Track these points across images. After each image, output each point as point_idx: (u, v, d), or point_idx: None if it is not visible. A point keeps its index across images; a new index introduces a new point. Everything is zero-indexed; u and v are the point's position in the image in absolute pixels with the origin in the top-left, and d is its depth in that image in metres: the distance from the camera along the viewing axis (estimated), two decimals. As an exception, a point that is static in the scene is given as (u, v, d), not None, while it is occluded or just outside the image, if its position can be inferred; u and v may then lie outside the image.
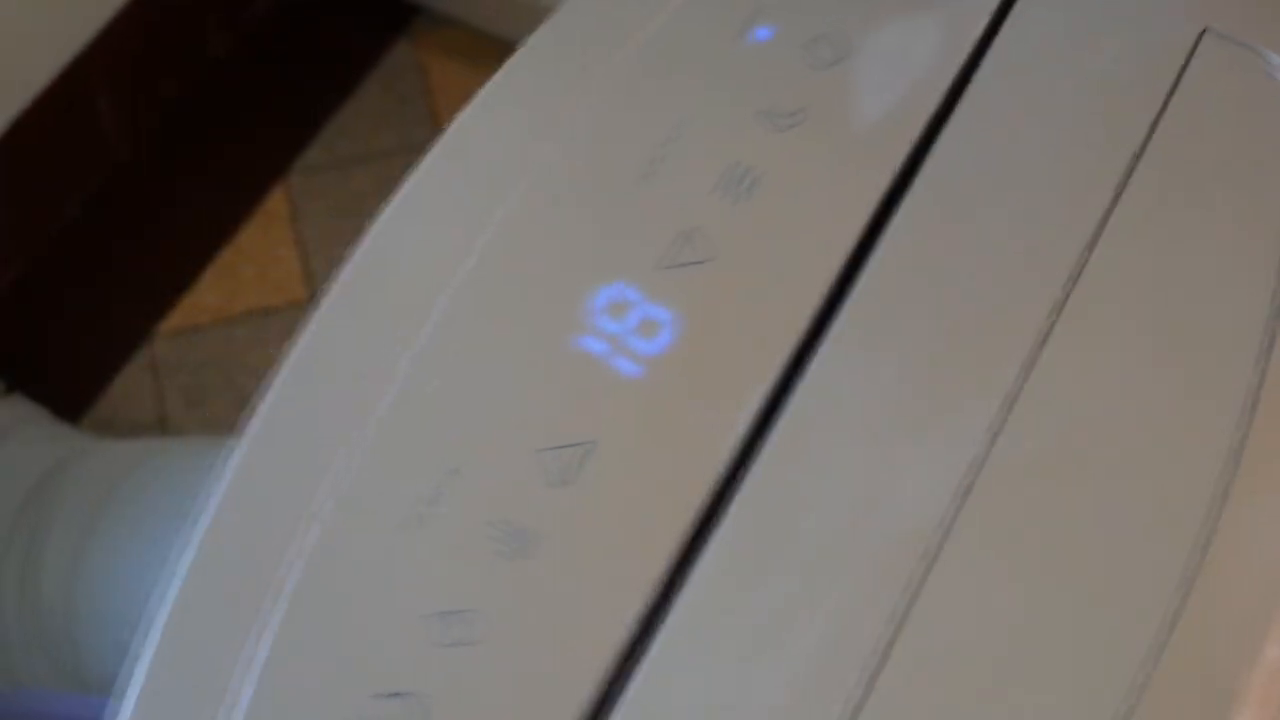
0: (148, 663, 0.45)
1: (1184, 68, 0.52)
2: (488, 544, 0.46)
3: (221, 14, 1.37)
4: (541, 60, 0.53)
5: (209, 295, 1.29)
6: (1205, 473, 0.46)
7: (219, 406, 1.24)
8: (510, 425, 0.48)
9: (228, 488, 0.47)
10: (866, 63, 0.53)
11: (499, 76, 0.52)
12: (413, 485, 0.47)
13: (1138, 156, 0.51)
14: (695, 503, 0.47)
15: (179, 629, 0.46)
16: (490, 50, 1.38)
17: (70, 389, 1.23)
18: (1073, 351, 0.48)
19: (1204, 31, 0.52)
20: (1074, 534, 0.46)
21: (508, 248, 0.50)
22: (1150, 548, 0.46)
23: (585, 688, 0.44)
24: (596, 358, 0.49)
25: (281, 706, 0.44)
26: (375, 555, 0.46)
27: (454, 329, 0.49)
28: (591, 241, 0.50)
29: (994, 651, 0.44)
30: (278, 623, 0.45)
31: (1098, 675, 0.44)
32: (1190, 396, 0.47)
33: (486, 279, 0.50)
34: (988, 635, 0.45)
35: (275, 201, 1.32)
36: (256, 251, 1.31)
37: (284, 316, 1.28)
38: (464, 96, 1.40)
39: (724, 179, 0.51)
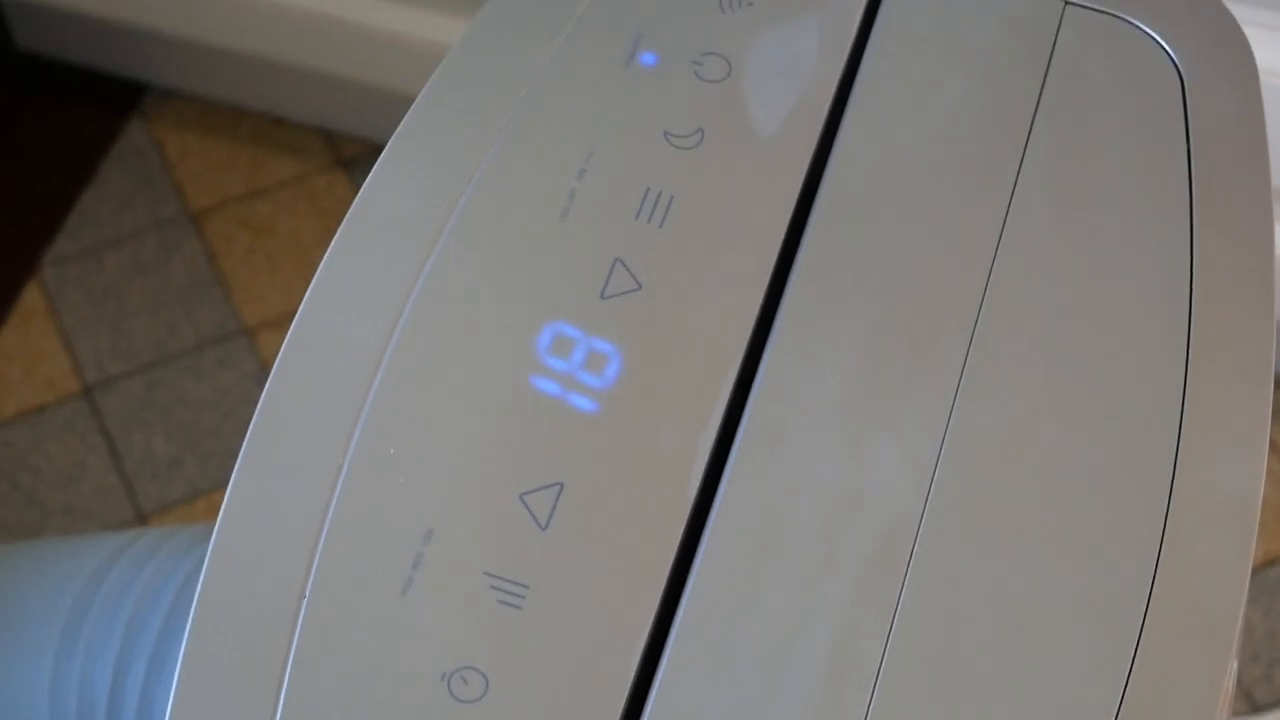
0: None
1: (1054, 41, 0.52)
2: (477, 598, 0.44)
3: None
4: (439, 112, 0.51)
5: (-23, 402, 1.22)
6: (1156, 421, 0.46)
7: (7, 512, 1.17)
8: (477, 478, 0.46)
9: (208, 579, 0.44)
10: (755, 73, 0.52)
11: (400, 133, 0.50)
12: (391, 553, 0.44)
13: (1029, 131, 0.51)
14: (676, 528, 0.45)
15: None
16: (222, 117, 1.34)
17: None
18: (1008, 325, 0.48)
19: (1065, 4, 0.53)
20: (1045, 497, 0.46)
21: (440, 304, 0.48)
22: (1118, 498, 0.46)
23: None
24: (551, 399, 0.47)
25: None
26: (367, 624, 0.44)
27: (400, 392, 0.47)
28: (524, 285, 0.48)
29: (995, 624, 0.44)
30: (284, 709, 0.42)
31: (1093, 635, 0.44)
32: (1125, 350, 0.48)
33: (424, 339, 0.47)
34: (986, 610, 0.44)
35: (30, 298, 1.26)
36: (19, 351, 1.24)
37: (60, 412, 1.21)
38: (203, 167, 1.36)
39: (641, 205, 0.49)
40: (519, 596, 0.44)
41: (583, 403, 0.47)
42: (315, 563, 0.44)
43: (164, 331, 1.24)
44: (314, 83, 1.28)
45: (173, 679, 0.43)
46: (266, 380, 0.47)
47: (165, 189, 1.31)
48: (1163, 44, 0.52)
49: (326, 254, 0.48)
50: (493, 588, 0.44)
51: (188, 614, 0.44)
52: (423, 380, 0.47)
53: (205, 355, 1.23)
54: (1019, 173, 0.50)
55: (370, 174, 0.49)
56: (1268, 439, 0.46)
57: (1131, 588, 0.44)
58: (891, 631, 0.44)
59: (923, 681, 0.43)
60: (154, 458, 1.19)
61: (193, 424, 1.20)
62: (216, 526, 0.44)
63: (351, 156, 1.33)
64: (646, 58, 0.52)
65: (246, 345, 1.24)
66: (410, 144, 0.50)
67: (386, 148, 0.50)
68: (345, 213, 0.49)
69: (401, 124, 0.50)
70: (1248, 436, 0.46)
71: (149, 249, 1.28)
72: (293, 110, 1.33)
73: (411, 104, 0.51)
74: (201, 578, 0.44)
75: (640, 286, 0.48)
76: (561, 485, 0.46)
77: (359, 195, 0.49)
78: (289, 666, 0.43)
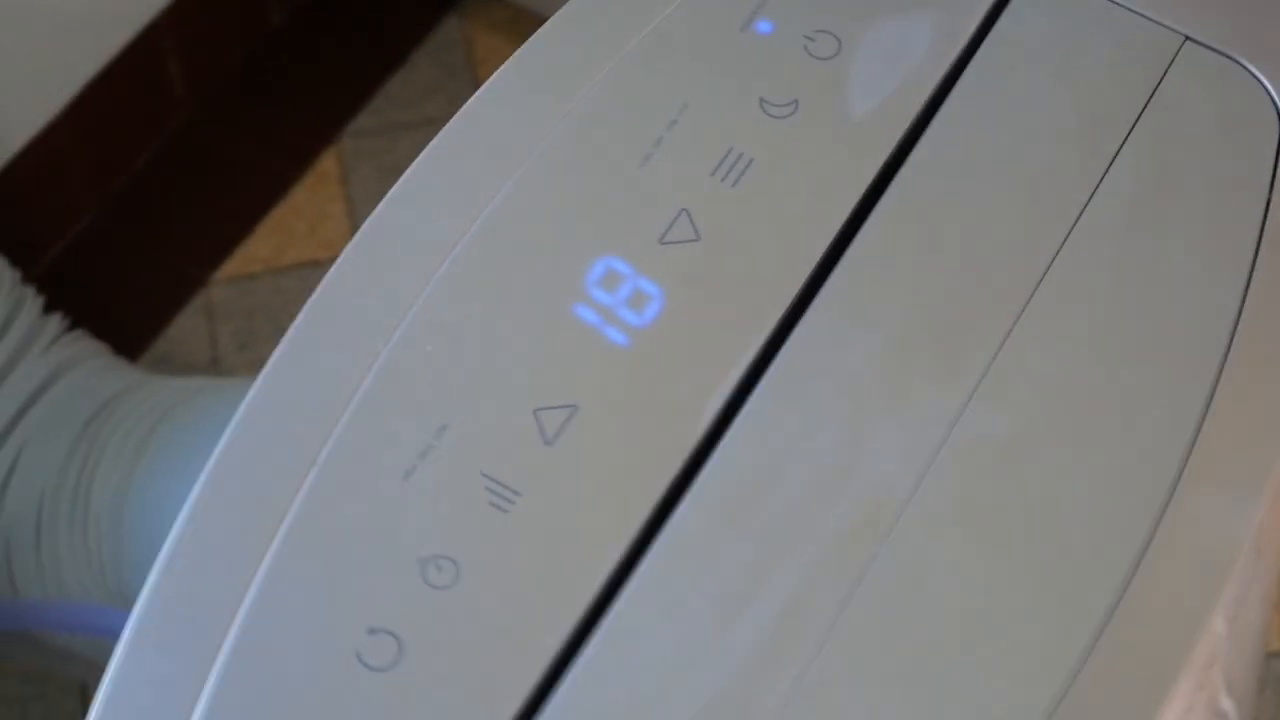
0: (150, 589, 0.44)
1: (1164, 74, 0.50)
2: (471, 496, 0.45)
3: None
4: (554, 46, 0.52)
5: (262, 247, 1.28)
6: (1159, 459, 0.45)
7: (267, 351, 1.22)
8: (499, 387, 0.47)
9: (234, 430, 0.46)
10: (862, 57, 0.51)
11: (514, 59, 0.51)
12: (403, 439, 0.46)
13: (1115, 156, 0.49)
14: (670, 467, 0.46)
15: (182, 559, 0.45)
16: (532, 26, 1.36)
17: (130, 329, 1.22)
18: (1042, 340, 0.47)
19: (1185, 40, 0.51)
20: (1032, 510, 0.45)
21: (511, 219, 0.49)
22: (1102, 525, 0.44)
23: (553, 636, 0.44)
24: (588, 326, 0.47)
25: (270, 635, 0.44)
26: (365, 500, 0.45)
27: (450, 297, 0.48)
28: (591, 216, 0.49)
29: (946, 618, 0.43)
30: (272, 557, 0.44)
31: (1040, 650, 0.43)
32: (1150, 384, 0.46)
33: (487, 248, 0.48)
34: (941, 603, 0.43)
35: (327, 162, 1.31)
36: (308, 208, 1.29)
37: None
38: (507, 70, 1.37)
39: (721, 162, 0.49)
40: (509, 501, 0.45)
41: (617, 336, 0.47)
42: (334, 436, 0.46)
43: (436, 214, 1.29)
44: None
45: None
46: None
47: (466, 85, 1.34)
48: (1272, 92, 0.50)
49: (419, 157, 0.49)
50: (487, 489, 0.45)
51: None
52: (475, 290, 0.48)
53: (468, 243, 1.27)
54: (1093, 195, 0.48)
55: (478, 90, 0.50)
56: (1265, 499, 0.44)
57: (1090, 613, 0.43)
58: (847, 605, 0.43)
59: (861, 657, 0.43)
60: (402, 327, 1.23)
61: (443, 303, 1.24)
62: (255, 383, 0.47)
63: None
64: (763, 25, 0.52)
65: (508, 240, 1.27)
66: (521, 69, 0.51)
67: (500, 69, 0.51)
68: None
69: (520, 49, 0.51)
70: (1244, 493, 0.44)
71: (440, 137, 1.32)
72: (594, 30, 1.35)
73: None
74: (229, 428, 0.46)
75: (699, 238, 0.48)
76: (576, 407, 0.46)
77: (463, 108, 0.50)
78: (286, 523, 0.45)
